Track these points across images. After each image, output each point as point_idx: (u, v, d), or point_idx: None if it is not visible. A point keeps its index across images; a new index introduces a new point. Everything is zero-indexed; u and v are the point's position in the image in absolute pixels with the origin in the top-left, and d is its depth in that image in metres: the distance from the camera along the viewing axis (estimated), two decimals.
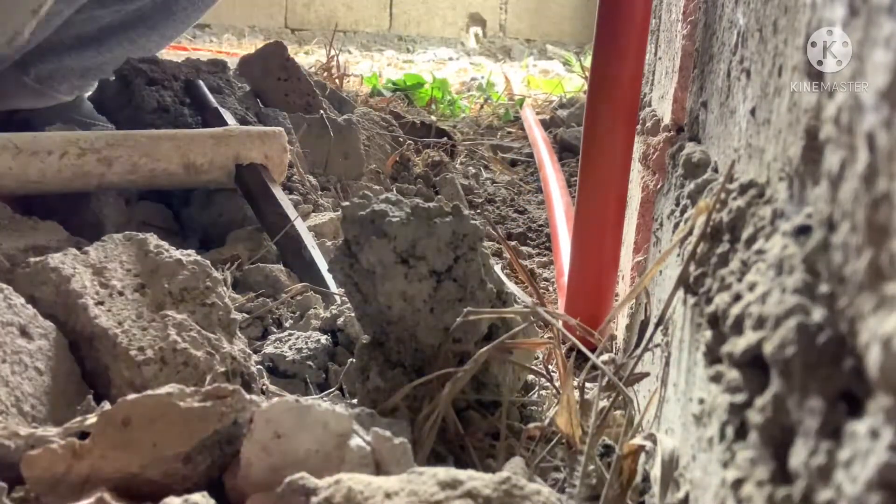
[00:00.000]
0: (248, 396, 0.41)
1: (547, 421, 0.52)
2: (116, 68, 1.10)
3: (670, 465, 0.36)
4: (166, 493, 0.36)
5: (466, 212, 0.55)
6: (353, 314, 0.65)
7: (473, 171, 1.48)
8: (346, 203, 0.56)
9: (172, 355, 0.53)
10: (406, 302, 0.52)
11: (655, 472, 0.37)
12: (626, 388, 0.44)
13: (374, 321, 0.56)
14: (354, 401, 0.56)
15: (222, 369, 0.55)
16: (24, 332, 0.50)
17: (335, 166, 1.26)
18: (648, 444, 0.40)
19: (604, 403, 0.45)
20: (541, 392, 0.60)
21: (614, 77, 0.73)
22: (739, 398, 0.24)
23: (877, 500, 0.15)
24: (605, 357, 0.52)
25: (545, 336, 0.61)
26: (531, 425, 0.52)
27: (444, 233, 0.53)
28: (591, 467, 0.44)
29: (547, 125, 1.89)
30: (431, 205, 0.55)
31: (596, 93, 0.75)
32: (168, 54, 1.77)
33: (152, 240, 0.60)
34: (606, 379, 0.45)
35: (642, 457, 0.42)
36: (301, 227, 0.91)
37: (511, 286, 0.55)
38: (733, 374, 0.25)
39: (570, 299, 0.79)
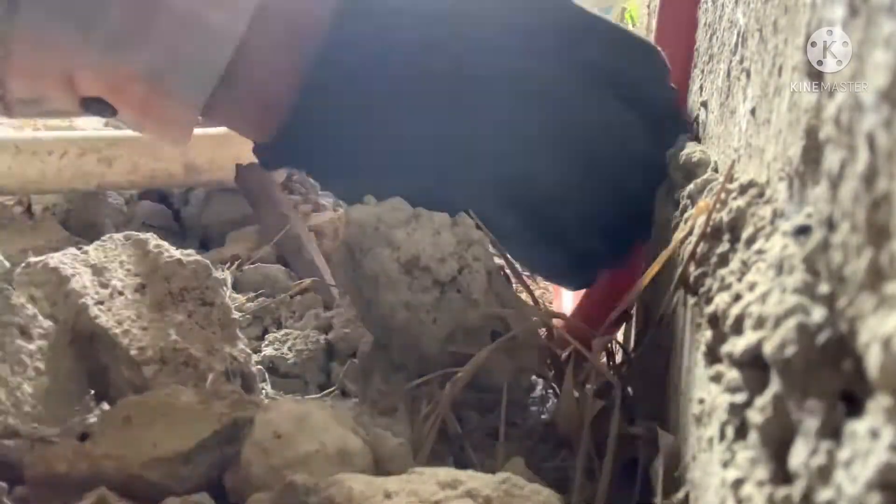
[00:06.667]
0: (248, 396, 0.41)
1: (547, 421, 0.52)
2: None
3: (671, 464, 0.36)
4: (166, 494, 0.36)
5: (470, 220, 0.55)
6: (354, 315, 0.65)
7: None
8: (349, 207, 0.55)
9: (172, 355, 0.53)
10: (409, 312, 0.52)
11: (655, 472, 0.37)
12: (624, 388, 0.44)
13: (377, 325, 0.55)
14: (355, 401, 0.56)
15: (222, 369, 0.55)
16: (24, 332, 0.50)
17: None
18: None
19: (602, 403, 0.45)
20: (541, 392, 0.60)
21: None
22: (739, 398, 0.24)
23: (877, 500, 0.15)
24: (604, 357, 0.52)
25: (544, 336, 0.61)
26: (531, 425, 0.52)
27: (447, 241, 0.53)
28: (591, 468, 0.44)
29: None
30: (435, 213, 0.54)
31: None
32: None
33: (152, 240, 0.60)
34: (605, 378, 0.45)
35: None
36: (301, 227, 0.91)
37: (510, 286, 0.55)
38: (733, 374, 0.25)
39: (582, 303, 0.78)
